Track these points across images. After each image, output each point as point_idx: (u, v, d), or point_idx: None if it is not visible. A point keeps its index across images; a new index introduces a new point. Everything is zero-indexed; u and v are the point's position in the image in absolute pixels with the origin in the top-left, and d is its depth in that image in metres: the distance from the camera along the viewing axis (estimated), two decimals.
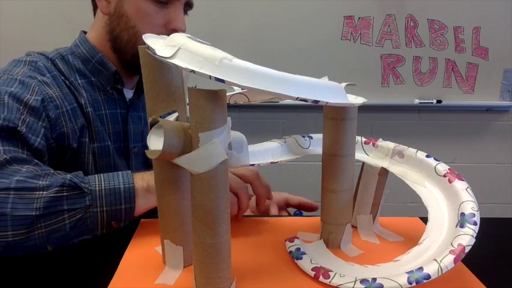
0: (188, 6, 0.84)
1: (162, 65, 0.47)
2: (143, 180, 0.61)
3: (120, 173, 0.61)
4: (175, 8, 0.80)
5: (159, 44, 0.43)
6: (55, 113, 0.71)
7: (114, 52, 0.82)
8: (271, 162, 0.53)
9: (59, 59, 0.80)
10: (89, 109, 0.78)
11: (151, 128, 0.45)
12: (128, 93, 0.87)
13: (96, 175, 0.60)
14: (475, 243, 0.46)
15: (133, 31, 0.79)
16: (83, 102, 0.78)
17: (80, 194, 0.55)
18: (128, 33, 0.79)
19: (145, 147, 0.87)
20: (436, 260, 0.45)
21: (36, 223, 0.52)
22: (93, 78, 0.82)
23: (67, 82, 0.78)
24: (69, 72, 0.79)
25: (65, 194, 0.54)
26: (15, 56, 0.80)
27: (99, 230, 0.58)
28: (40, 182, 0.54)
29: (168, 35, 0.78)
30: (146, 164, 0.89)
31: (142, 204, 0.60)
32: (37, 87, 0.70)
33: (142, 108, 0.90)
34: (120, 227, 0.60)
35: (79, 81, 0.80)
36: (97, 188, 0.57)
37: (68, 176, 0.56)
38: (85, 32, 0.86)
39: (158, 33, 0.77)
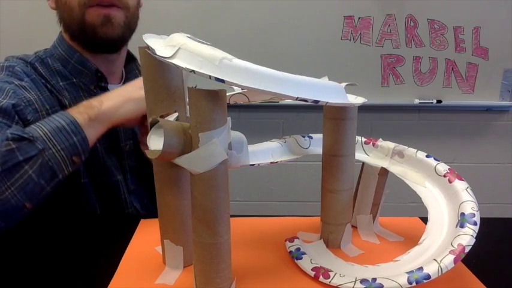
0: None
1: (162, 65, 0.47)
2: (80, 113, 0.62)
3: (54, 115, 0.62)
4: None
5: (159, 44, 0.43)
6: (34, 117, 0.70)
7: (73, 39, 0.81)
8: (271, 162, 0.53)
9: (39, 62, 0.79)
10: None
11: (151, 128, 0.45)
12: (114, 88, 0.85)
13: (32, 125, 0.60)
14: (475, 243, 0.46)
15: (65, 6, 0.77)
16: (66, 104, 0.76)
17: (28, 142, 0.56)
18: (63, 10, 0.78)
19: (137, 144, 0.86)
20: (436, 260, 0.45)
21: (1, 183, 0.53)
22: (74, 80, 0.80)
23: (48, 86, 0.77)
24: (50, 76, 0.78)
25: (14, 146, 0.55)
26: (24, 51, 0.80)
27: (65, 168, 0.59)
28: None
29: None
30: (139, 162, 0.87)
31: (92, 133, 0.62)
32: (11, 92, 0.68)
33: None
34: (82, 161, 0.61)
35: (61, 83, 0.79)
36: (40, 133, 0.58)
37: (8, 131, 0.56)
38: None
39: None
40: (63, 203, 0.75)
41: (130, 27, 0.81)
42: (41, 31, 1.51)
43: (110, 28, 0.78)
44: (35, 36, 1.50)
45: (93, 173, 0.78)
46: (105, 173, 0.80)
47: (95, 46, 0.80)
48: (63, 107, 0.76)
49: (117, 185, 0.82)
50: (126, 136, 0.84)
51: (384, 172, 0.59)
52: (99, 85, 0.82)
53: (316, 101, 0.42)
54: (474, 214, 0.48)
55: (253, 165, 0.50)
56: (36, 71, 0.78)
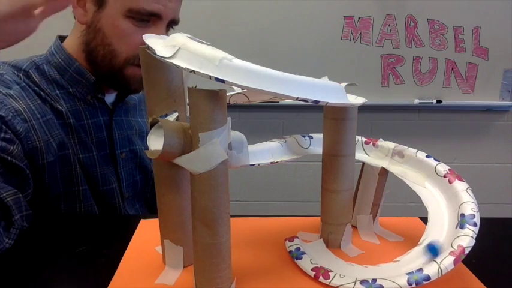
0: (173, 22, 0.79)
1: (162, 65, 0.47)
2: None
3: None
4: (156, 28, 0.74)
5: (159, 44, 0.43)
6: (23, 127, 0.68)
7: (89, 64, 0.79)
8: (271, 162, 0.53)
9: (34, 69, 0.76)
10: (71, 120, 0.76)
11: (151, 128, 0.45)
12: (109, 98, 0.84)
13: None
14: (475, 244, 0.46)
15: (109, 49, 0.75)
16: (64, 113, 0.75)
17: None
18: (103, 49, 0.75)
19: (133, 151, 0.86)
20: (436, 261, 0.45)
21: None
22: (71, 89, 0.78)
23: (42, 94, 0.74)
24: (45, 84, 0.76)
25: None
26: (16, 57, 0.78)
27: None
28: None
29: None
30: (136, 170, 0.87)
31: None
32: None
33: (125, 112, 0.87)
34: None
35: (57, 91, 0.76)
36: None
37: None
38: (60, 37, 0.81)
39: (136, 55, 0.74)
40: (60, 212, 0.75)
41: None
42: (41, 32, 1.51)
43: (141, 85, 0.77)
44: (35, 36, 1.50)
45: (91, 181, 0.78)
46: (102, 181, 0.80)
47: (113, 85, 0.80)
48: (59, 115, 0.75)
49: (112, 192, 0.81)
50: (122, 144, 0.84)
51: (384, 172, 0.59)
52: (96, 96, 0.80)
53: (316, 101, 0.42)
54: (474, 215, 0.48)
55: (253, 165, 0.50)
56: (30, 78, 0.75)
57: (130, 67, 0.76)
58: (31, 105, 0.72)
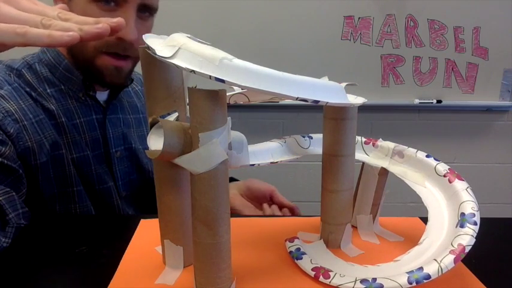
0: (146, 8, 0.75)
1: (162, 65, 0.47)
2: None
3: None
4: (124, 13, 0.71)
5: (159, 44, 0.43)
6: (14, 128, 0.68)
7: (72, 58, 0.78)
8: (271, 162, 0.53)
9: (26, 68, 0.77)
10: (63, 119, 0.75)
11: (151, 128, 0.45)
12: (102, 96, 0.83)
13: None
14: (475, 243, 0.46)
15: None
16: (55, 113, 0.75)
17: None
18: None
19: (128, 149, 0.86)
20: (436, 260, 0.45)
21: None
22: (62, 86, 0.78)
23: (33, 94, 0.74)
24: (37, 83, 0.76)
25: None
26: (15, 56, 0.78)
27: None
28: None
29: (116, 43, 0.73)
30: (132, 168, 0.87)
31: None
32: None
33: (121, 110, 0.86)
34: None
35: (48, 90, 0.76)
36: None
37: None
38: None
39: (104, 41, 0.72)
40: (55, 213, 0.75)
41: (132, 70, 0.81)
42: None
43: (116, 78, 0.77)
44: None
45: (86, 181, 0.78)
46: (97, 180, 0.79)
47: (96, 80, 0.79)
48: (50, 114, 0.75)
49: (109, 190, 0.81)
50: (116, 143, 0.83)
51: (384, 172, 0.59)
52: (88, 93, 0.80)
53: (316, 101, 0.42)
54: (474, 214, 0.48)
55: (253, 165, 0.50)
56: (23, 78, 0.75)
57: (101, 56, 0.74)
58: (23, 105, 0.72)
